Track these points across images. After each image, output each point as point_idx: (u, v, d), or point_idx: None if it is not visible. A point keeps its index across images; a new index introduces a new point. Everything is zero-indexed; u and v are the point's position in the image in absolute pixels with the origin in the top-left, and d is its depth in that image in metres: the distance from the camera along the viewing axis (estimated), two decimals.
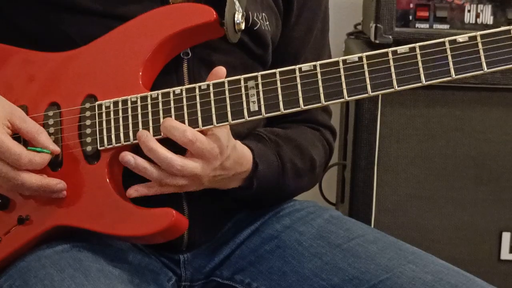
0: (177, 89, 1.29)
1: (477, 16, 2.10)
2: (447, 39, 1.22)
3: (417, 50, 1.22)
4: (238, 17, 1.34)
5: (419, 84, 1.22)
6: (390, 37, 2.09)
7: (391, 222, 2.16)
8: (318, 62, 1.25)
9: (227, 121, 1.27)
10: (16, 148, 1.26)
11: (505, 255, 2.18)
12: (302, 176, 1.49)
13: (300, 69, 1.26)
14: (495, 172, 2.15)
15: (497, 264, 2.19)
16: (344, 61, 1.24)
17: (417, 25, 2.11)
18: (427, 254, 1.39)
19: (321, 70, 1.25)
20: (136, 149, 1.32)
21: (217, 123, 1.27)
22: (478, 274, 1.36)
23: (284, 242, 1.44)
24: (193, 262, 1.46)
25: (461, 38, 1.22)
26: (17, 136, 1.30)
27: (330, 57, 1.58)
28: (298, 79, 1.25)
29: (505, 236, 2.17)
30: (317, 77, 1.25)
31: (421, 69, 1.22)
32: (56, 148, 1.31)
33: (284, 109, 1.26)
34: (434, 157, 2.14)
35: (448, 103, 2.12)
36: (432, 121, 2.13)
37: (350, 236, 1.42)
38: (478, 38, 1.21)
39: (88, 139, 1.32)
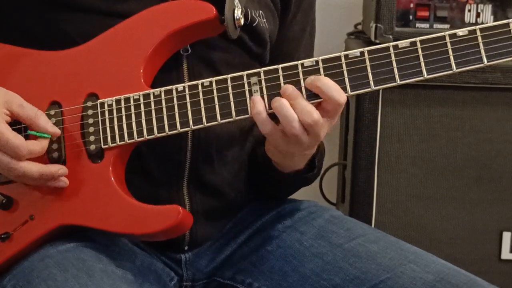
0: (180, 86, 1.30)
1: (477, 15, 2.11)
2: (447, 32, 1.23)
3: (418, 44, 1.24)
4: (238, 13, 1.34)
5: (421, 78, 1.24)
6: (391, 37, 2.09)
7: (391, 222, 2.16)
8: (320, 58, 1.26)
9: (231, 117, 1.27)
10: (16, 139, 1.25)
11: (505, 254, 2.19)
12: (321, 161, 1.49)
13: (302, 64, 1.26)
14: (495, 172, 2.15)
15: (498, 263, 2.19)
16: (346, 56, 1.25)
17: (417, 24, 2.11)
18: (428, 254, 1.39)
19: (323, 66, 1.25)
20: (140, 148, 1.33)
21: (221, 120, 1.27)
22: (478, 274, 1.36)
23: (285, 242, 1.44)
24: (194, 262, 1.46)
25: (461, 31, 1.23)
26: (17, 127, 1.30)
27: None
28: (300, 74, 1.26)
29: (506, 235, 2.18)
30: (319, 72, 1.25)
31: (422, 63, 1.23)
32: (57, 130, 1.30)
33: None
34: (434, 157, 2.15)
35: (448, 103, 2.13)
36: (433, 121, 2.13)
37: (351, 236, 1.42)
38: (478, 32, 1.23)
39: (91, 138, 1.32)
